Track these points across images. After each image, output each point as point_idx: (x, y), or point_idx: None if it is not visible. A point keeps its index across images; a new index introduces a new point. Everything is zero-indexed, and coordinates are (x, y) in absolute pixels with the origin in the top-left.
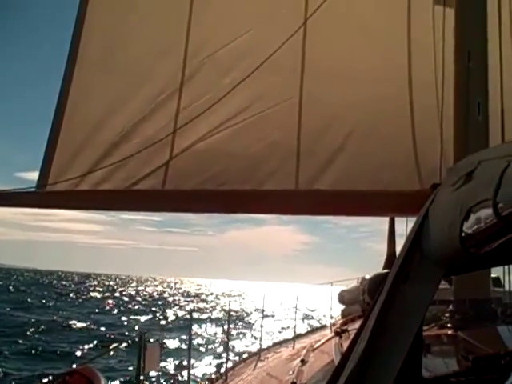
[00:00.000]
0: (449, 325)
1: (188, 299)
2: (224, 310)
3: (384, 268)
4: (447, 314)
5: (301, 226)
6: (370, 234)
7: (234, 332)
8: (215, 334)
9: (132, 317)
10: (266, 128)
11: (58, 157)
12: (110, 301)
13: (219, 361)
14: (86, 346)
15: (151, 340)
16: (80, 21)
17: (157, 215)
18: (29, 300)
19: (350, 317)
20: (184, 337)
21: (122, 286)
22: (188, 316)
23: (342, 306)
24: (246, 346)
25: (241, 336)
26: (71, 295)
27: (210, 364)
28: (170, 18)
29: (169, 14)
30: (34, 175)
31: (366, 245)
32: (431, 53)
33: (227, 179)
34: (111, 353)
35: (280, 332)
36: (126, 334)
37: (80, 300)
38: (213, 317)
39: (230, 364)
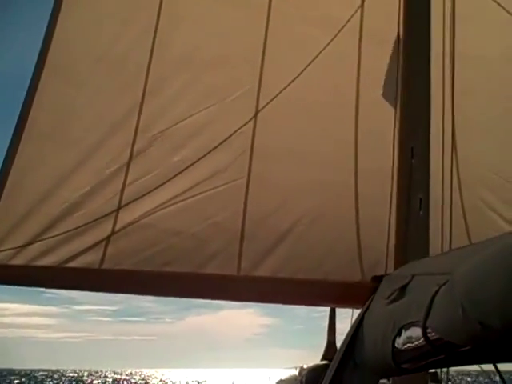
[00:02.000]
0: None
1: None
2: None
3: (323, 357)
4: None
5: (261, 308)
6: None
7: None
8: None
9: None
10: (211, 208)
11: None
12: None
13: None
14: None
15: None
16: (31, 91)
17: (111, 305)
18: None
19: None
20: None
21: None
22: None
23: None
24: None
25: None
26: None
27: None
28: (124, 92)
29: (122, 88)
30: None
31: (326, 324)
32: (379, 144)
33: (169, 259)
34: None
35: None
36: None
37: None
38: None
39: None
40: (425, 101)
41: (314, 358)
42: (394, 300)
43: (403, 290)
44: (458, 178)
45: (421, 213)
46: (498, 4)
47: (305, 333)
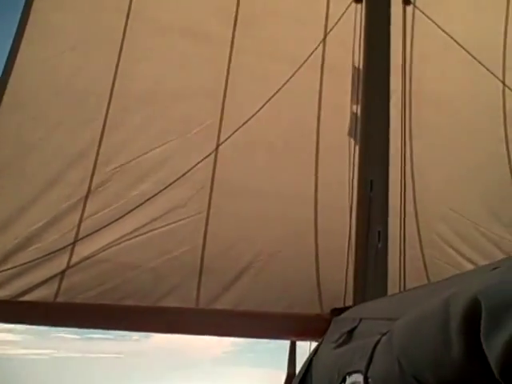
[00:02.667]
0: None
1: None
2: None
3: None
4: None
5: None
6: None
7: None
8: None
9: None
10: (170, 242)
11: None
12: None
13: None
14: None
15: None
16: None
17: None
18: None
19: None
20: None
21: None
22: None
23: None
24: None
25: None
26: None
27: None
28: (84, 125)
29: (82, 121)
30: None
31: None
32: (338, 178)
33: (126, 293)
34: None
35: None
36: None
37: None
38: None
39: None
40: (384, 135)
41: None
42: (342, 344)
43: (350, 333)
44: (415, 212)
45: (379, 245)
46: (457, 43)
47: (274, 351)
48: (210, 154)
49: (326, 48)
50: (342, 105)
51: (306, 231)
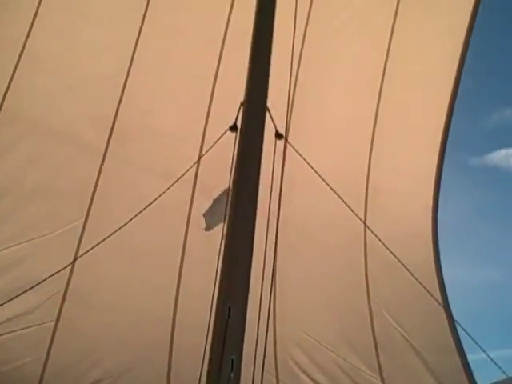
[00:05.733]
0: None
1: None
2: None
3: None
4: None
5: None
6: None
7: None
8: None
9: None
10: (11, 351)
11: None
12: None
13: None
14: None
15: None
16: None
17: None
18: None
19: None
20: None
21: None
22: None
23: None
24: None
25: None
26: None
27: None
28: None
29: None
30: None
31: None
32: (198, 300)
33: None
34: None
35: None
36: None
37: None
38: None
39: None
40: (247, 260)
41: None
42: None
43: None
44: (274, 337)
45: (232, 375)
46: (323, 180)
47: None
48: (68, 265)
49: (200, 168)
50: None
51: (160, 351)
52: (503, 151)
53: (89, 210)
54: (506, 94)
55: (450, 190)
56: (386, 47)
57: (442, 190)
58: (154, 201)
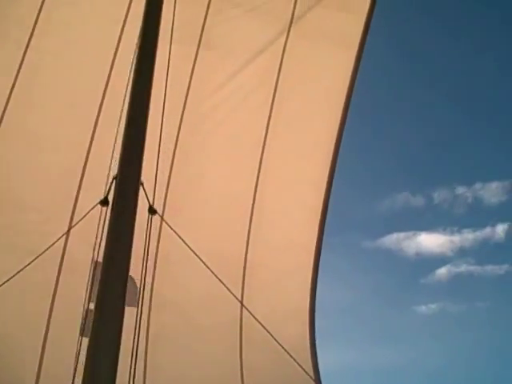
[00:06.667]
0: None
1: None
2: None
3: None
4: None
5: None
6: None
7: None
8: None
9: None
10: None
11: None
12: None
13: None
14: None
15: None
16: None
17: None
18: None
19: None
20: None
21: None
22: None
23: None
24: None
25: None
26: None
27: None
28: None
29: None
30: None
31: None
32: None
33: None
34: None
35: None
36: None
37: None
38: None
39: None
40: (116, 336)
41: None
42: None
43: None
44: None
45: None
46: (199, 258)
47: None
48: None
49: (69, 242)
50: (76, 300)
51: None
52: (395, 235)
53: None
54: (398, 180)
55: (345, 271)
56: (266, 122)
57: (334, 270)
58: (9, 279)
